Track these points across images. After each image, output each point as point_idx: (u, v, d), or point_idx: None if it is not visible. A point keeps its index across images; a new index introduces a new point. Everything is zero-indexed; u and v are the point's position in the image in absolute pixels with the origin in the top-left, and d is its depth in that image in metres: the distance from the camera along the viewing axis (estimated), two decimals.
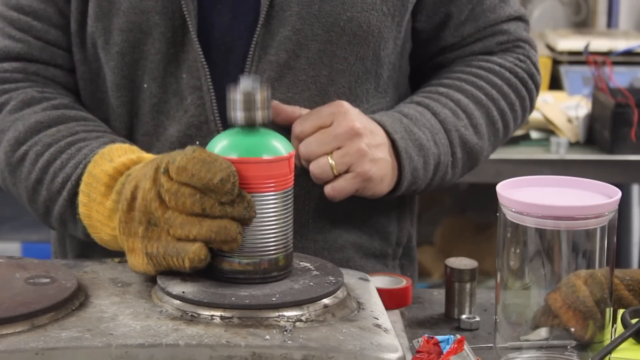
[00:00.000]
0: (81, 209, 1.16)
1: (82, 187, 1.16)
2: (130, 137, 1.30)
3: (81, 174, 1.17)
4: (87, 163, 1.17)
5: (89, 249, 1.29)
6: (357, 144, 1.21)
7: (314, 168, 1.21)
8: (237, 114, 1.02)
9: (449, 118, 1.31)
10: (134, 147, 1.20)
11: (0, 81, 1.29)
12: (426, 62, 1.42)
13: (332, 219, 1.32)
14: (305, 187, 1.28)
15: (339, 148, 1.21)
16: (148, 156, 1.16)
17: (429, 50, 1.40)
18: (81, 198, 1.16)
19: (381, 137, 1.24)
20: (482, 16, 1.37)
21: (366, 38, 1.28)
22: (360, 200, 1.31)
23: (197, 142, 1.26)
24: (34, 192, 1.24)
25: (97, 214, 1.13)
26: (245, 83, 1.02)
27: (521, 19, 1.42)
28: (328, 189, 1.21)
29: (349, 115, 1.22)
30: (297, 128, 1.23)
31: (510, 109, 1.37)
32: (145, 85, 1.27)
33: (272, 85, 1.25)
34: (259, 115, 1.02)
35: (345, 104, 1.23)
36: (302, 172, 1.25)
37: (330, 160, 1.20)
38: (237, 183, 0.99)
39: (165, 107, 1.27)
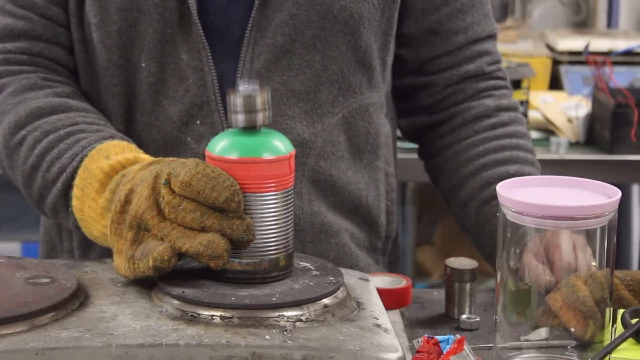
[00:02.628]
0: (74, 203, 1.16)
1: (77, 181, 1.16)
2: (129, 116, 1.31)
3: (77, 167, 1.17)
4: (83, 156, 1.18)
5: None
6: None
7: None
8: (238, 117, 1.02)
9: None
10: (132, 145, 1.20)
11: (4, 62, 1.30)
12: (417, 74, 1.42)
13: (326, 204, 1.34)
14: (301, 169, 1.31)
15: None
16: (145, 157, 1.17)
17: (420, 56, 1.40)
18: (75, 192, 1.16)
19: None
20: (471, 28, 1.40)
21: (357, 28, 1.31)
22: (351, 188, 1.34)
23: (198, 122, 1.28)
24: (29, 178, 1.24)
25: (90, 209, 1.14)
26: (245, 86, 1.02)
27: (495, 36, 1.45)
28: None
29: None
30: None
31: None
32: (143, 65, 1.28)
33: (269, 68, 1.28)
34: (260, 118, 1.02)
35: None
36: (297, 154, 1.29)
37: None
38: (241, 201, 0.99)
39: (163, 87, 1.29)
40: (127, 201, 1.05)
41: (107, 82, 1.30)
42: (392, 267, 1.46)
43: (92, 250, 1.34)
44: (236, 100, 1.01)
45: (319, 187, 1.33)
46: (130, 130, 1.30)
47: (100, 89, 1.31)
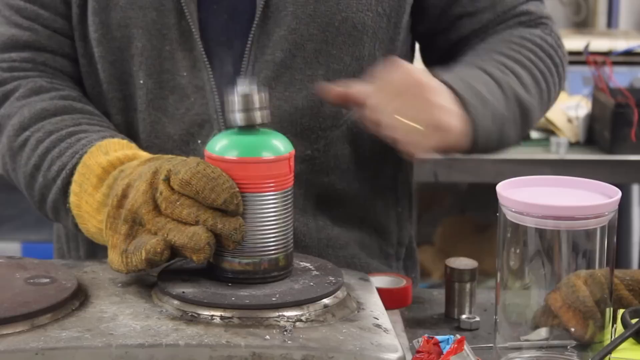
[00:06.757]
0: (72, 199, 1.16)
1: (75, 177, 1.16)
2: (133, 132, 1.30)
3: (76, 164, 1.17)
4: (83, 154, 1.18)
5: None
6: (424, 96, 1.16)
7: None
8: (236, 115, 1.02)
9: (498, 74, 1.27)
10: (132, 144, 1.20)
11: (9, 69, 1.30)
12: (445, 55, 1.38)
13: (332, 217, 1.32)
14: (305, 185, 1.29)
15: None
16: (144, 154, 1.17)
17: (448, 39, 1.37)
18: (73, 187, 1.16)
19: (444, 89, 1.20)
20: (499, 1, 1.35)
21: (361, 38, 1.28)
22: (358, 199, 1.32)
23: (199, 141, 1.27)
24: (31, 179, 1.24)
25: (87, 205, 1.14)
26: (243, 84, 1.02)
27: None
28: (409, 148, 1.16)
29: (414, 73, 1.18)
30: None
31: (548, 72, 1.34)
32: (141, 81, 1.27)
33: (270, 85, 1.26)
34: (258, 116, 1.02)
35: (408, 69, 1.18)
36: (300, 170, 1.26)
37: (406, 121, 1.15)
38: (240, 204, 0.99)
39: (162, 104, 1.28)
40: (124, 196, 1.05)
41: (112, 96, 1.30)
42: (408, 271, 1.44)
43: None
44: (234, 99, 1.02)
45: (323, 202, 1.31)
46: None
47: (105, 103, 1.31)
